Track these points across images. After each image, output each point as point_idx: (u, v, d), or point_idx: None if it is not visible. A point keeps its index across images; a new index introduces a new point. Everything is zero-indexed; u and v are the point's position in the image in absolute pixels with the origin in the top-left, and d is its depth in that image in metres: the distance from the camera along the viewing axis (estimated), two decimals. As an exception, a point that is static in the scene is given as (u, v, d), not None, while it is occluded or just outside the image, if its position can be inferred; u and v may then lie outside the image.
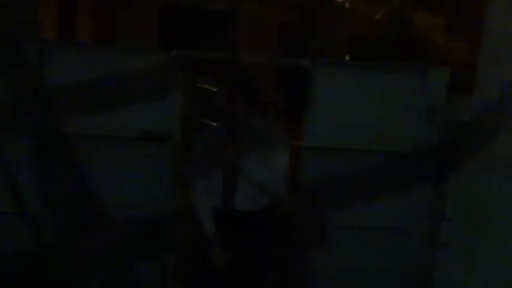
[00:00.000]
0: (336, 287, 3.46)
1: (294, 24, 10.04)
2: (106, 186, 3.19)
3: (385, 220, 3.41)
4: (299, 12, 9.96)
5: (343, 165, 3.36)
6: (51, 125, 3.13)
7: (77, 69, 3.11)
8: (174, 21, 8.58)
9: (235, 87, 2.28)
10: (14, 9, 5.51)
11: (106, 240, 3.26)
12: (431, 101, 3.35)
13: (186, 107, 3.89)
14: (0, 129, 3.06)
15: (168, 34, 8.53)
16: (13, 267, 3.15)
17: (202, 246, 2.53)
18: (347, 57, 10.23)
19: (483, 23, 3.29)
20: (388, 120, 3.37)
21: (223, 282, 2.54)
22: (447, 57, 9.00)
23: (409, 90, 3.38)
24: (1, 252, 3.10)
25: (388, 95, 3.38)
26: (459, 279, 3.17)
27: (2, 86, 3.03)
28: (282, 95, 7.17)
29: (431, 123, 3.38)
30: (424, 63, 4.99)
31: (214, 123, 3.24)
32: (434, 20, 10.28)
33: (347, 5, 10.48)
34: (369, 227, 3.40)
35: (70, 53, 3.13)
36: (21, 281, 3.21)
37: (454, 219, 3.34)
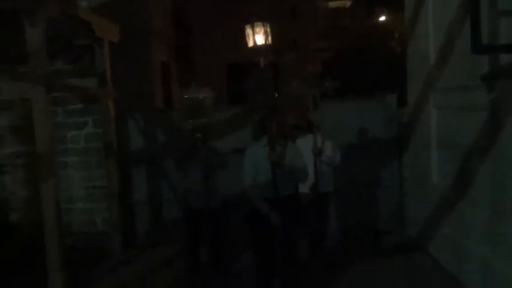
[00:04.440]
0: (347, 226, 5.96)
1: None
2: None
3: (375, 180, 6.03)
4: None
5: (350, 153, 5.90)
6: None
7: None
8: (236, 74, 11.72)
9: (272, 119, 3.73)
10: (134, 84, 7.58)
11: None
12: (389, 113, 5.95)
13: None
14: (161, 159, 6.09)
15: (233, 83, 11.64)
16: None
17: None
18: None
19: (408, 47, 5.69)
20: (368, 126, 5.97)
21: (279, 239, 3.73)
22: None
23: (376, 109, 5.98)
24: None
25: (365, 112, 5.99)
26: (415, 214, 5.65)
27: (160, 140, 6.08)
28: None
29: (391, 125, 5.96)
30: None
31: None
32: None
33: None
34: (365, 185, 6.03)
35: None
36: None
37: (409, 178, 5.85)
